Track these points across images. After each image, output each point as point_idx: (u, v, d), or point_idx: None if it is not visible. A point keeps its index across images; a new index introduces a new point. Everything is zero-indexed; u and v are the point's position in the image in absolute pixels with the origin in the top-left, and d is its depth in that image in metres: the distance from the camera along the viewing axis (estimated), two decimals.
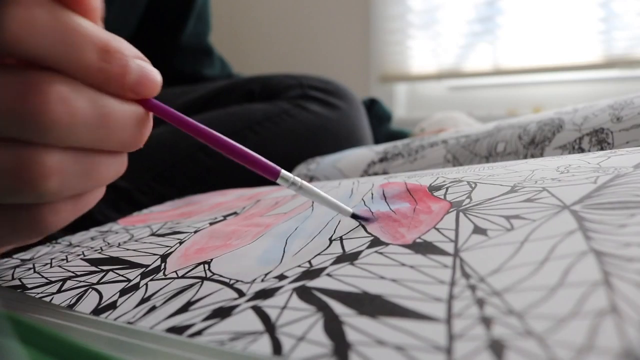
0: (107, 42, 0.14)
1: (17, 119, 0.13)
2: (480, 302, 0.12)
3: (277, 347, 0.12)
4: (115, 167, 0.16)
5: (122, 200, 0.45)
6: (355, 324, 0.12)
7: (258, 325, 0.13)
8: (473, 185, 0.20)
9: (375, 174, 0.41)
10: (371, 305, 0.13)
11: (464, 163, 0.37)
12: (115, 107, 0.15)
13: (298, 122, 0.52)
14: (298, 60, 1.62)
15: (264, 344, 0.12)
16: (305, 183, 0.19)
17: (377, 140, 0.73)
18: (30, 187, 0.14)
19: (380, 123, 0.77)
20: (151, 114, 0.17)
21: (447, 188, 0.21)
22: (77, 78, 0.14)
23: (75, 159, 0.14)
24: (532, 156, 0.33)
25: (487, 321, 0.11)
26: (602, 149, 0.29)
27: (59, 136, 0.13)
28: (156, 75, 0.16)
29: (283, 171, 0.18)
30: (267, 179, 0.51)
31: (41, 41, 0.12)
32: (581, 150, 0.31)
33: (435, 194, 0.21)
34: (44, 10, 0.12)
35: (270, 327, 0.13)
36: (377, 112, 0.77)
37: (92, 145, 0.15)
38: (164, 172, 0.47)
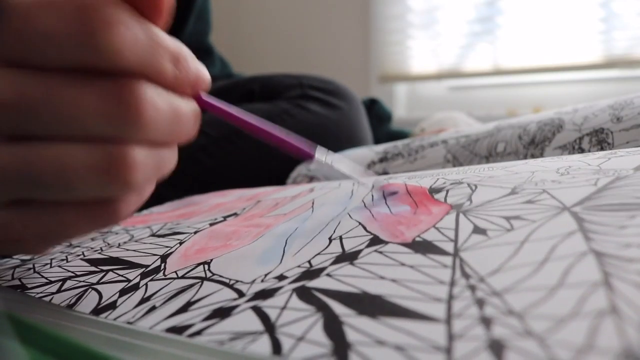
0: (177, 51, 0.16)
1: (114, 119, 0.14)
2: (480, 302, 0.12)
3: (276, 347, 0.12)
4: (174, 158, 0.18)
5: None
6: (355, 324, 0.12)
7: (258, 325, 0.13)
8: (473, 188, 0.20)
9: (376, 173, 0.41)
10: (371, 305, 0.13)
11: (464, 163, 0.37)
12: (182, 104, 0.17)
13: (298, 122, 0.52)
14: (298, 60, 1.62)
15: (263, 344, 0.12)
16: (333, 162, 0.21)
17: (377, 140, 0.73)
18: (120, 180, 0.15)
19: (381, 123, 0.77)
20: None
21: (447, 190, 0.21)
22: (155, 82, 0.16)
23: (153, 153, 0.16)
24: (532, 156, 0.33)
25: (486, 321, 0.11)
26: (602, 149, 0.29)
27: (146, 133, 0.15)
28: (206, 73, 0.18)
29: (317, 152, 0.21)
30: (267, 180, 0.51)
31: (135, 55, 0.14)
32: (581, 150, 0.31)
33: (436, 196, 0.21)
34: (139, 28, 0.15)
35: (269, 327, 0.13)
36: (377, 112, 0.77)
37: (166, 139, 0.17)
38: None
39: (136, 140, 0.15)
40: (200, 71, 0.18)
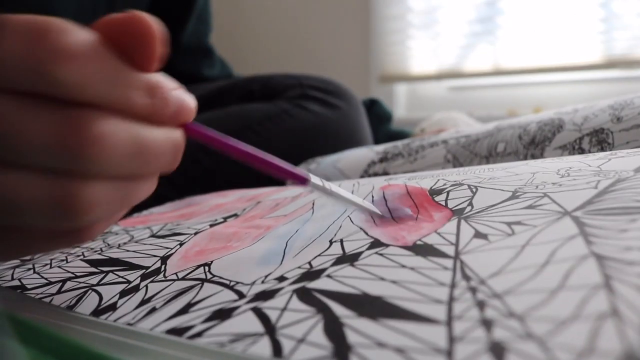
0: (154, 82, 0.15)
1: (60, 152, 0.13)
2: (481, 305, 0.12)
3: (277, 349, 0.12)
4: (148, 189, 0.17)
5: None
6: (355, 325, 0.12)
7: (258, 326, 0.13)
8: (474, 190, 0.20)
9: (376, 174, 0.41)
10: (371, 306, 0.13)
11: (464, 163, 0.37)
12: (154, 136, 0.15)
13: (298, 122, 0.52)
14: (298, 60, 1.62)
15: (264, 346, 0.12)
16: (332, 186, 0.20)
17: (377, 140, 0.73)
18: (74, 217, 0.14)
19: (381, 123, 0.77)
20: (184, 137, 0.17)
21: (447, 192, 0.21)
22: (122, 112, 0.14)
23: (114, 188, 0.15)
24: (533, 156, 0.33)
25: (487, 323, 0.11)
26: (602, 149, 0.29)
27: (100, 169, 0.14)
28: (191, 103, 0.17)
29: (312, 179, 0.19)
30: (267, 180, 0.51)
31: (93, 87, 0.13)
32: (581, 150, 0.31)
33: (436, 198, 0.21)
34: (103, 59, 0.13)
35: (270, 328, 0.13)
36: (377, 112, 0.77)
37: (131, 174, 0.15)
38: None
39: (93, 175, 0.14)
40: (185, 101, 0.16)
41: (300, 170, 0.19)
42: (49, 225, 0.14)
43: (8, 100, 0.13)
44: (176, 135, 0.16)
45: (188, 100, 0.17)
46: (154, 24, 0.14)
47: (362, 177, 0.42)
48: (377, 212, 0.21)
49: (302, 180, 0.19)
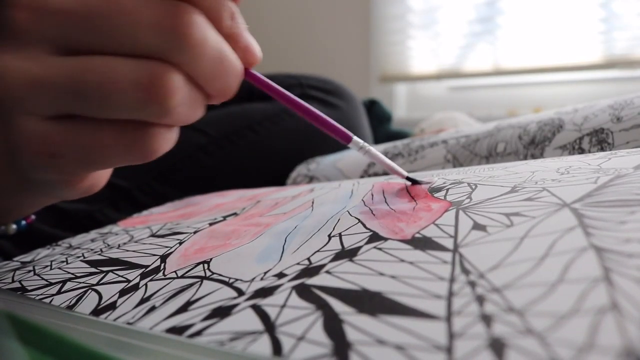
0: (235, 10, 0.18)
1: (164, 33, 0.16)
2: (480, 299, 0.12)
3: (277, 347, 0.12)
4: (200, 113, 0.19)
5: (122, 200, 0.45)
6: (355, 322, 0.12)
7: (258, 324, 0.13)
8: (473, 187, 0.20)
9: (376, 174, 0.41)
10: (371, 303, 0.13)
11: (464, 163, 0.37)
12: (230, 54, 0.18)
13: (298, 121, 0.52)
14: (298, 60, 1.62)
15: (263, 344, 0.12)
16: (371, 148, 0.23)
17: (377, 140, 0.73)
18: (157, 100, 0.16)
19: (380, 123, 0.77)
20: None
21: (447, 189, 0.21)
22: (211, 22, 0.17)
23: (190, 89, 0.17)
24: (532, 156, 0.33)
25: (487, 319, 0.11)
26: (602, 149, 0.29)
27: (189, 58, 0.16)
28: (258, 51, 0.19)
29: (355, 137, 0.22)
30: (266, 180, 0.50)
31: None
32: (581, 150, 0.31)
33: (436, 195, 0.21)
34: None
35: (269, 326, 0.13)
36: (376, 113, 0.77)
37: (205, 79, 0.17)
38: (164, 171, 0.47)
39: (179, 65, 0.16)
40: (253, 45, 0.19)
41: (344, 129, 0.22)
42: (134, 114, 0.16)
43: None
44: (241, 68, 0.19)
45: (256, 46, 0.19)
46: None
47: (362, 177, 0.42)
48: (403, 174, 0.23)
49: (346, 138, 0.22)
